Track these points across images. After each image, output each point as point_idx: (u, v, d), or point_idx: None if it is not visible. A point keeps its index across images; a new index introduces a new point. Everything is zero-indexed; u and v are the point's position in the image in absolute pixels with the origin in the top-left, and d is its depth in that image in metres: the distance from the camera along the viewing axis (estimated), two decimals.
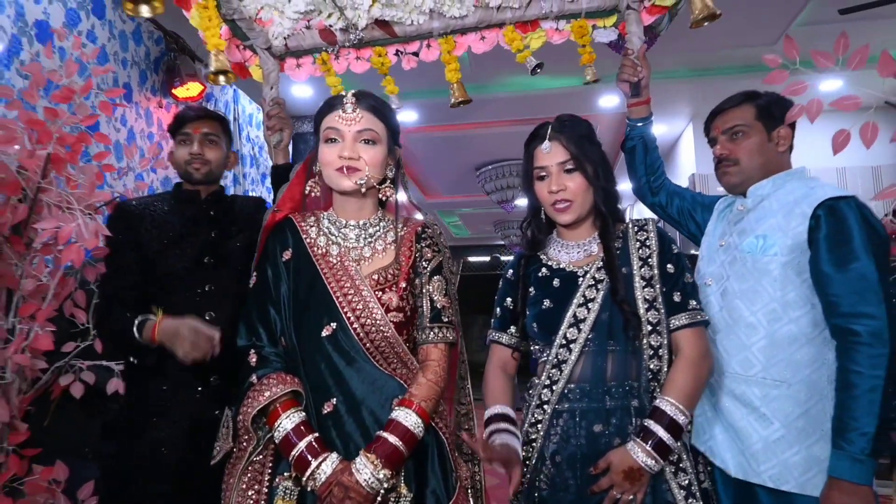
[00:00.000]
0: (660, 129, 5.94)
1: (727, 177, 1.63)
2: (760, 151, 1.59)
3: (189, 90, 3.61)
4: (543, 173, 1.51)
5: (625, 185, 1.96)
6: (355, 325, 1.39)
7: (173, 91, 3.58)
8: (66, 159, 1.72)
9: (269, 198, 1.97)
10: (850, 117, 1.22)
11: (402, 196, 1.54)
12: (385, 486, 1.28)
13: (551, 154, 1.49)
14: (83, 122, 1.71)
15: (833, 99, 1.32)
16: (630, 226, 1.54)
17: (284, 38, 1.67)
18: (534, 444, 1.46)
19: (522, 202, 7.43)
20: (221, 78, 1.75)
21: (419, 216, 1.61)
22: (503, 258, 11.85)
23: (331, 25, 1.66)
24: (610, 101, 4.98)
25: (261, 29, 1.67)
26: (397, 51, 1.82)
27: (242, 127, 4.43)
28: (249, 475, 1.37)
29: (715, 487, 1.50)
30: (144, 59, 3.39)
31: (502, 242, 10.12)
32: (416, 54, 1.83)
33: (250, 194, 4.28)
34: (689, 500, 1.36)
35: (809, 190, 1.50)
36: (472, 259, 12.38)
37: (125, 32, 3.18)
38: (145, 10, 1.51)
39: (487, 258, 12.18)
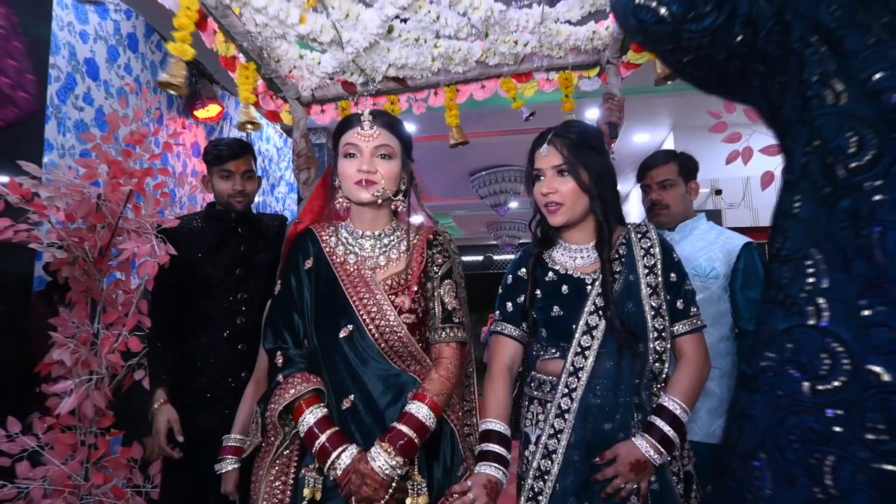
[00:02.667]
0: (643, 138, 6.31)
1: (659, 217, 2.13)
2: (682, 199, 2.12)
3: (209, 111, 3.89)
4: (540, 175, 1.55)
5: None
6: (370, 327, 1.46)
7: (195, 112, 3.88)
8: (136, 190, 2.05)
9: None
10: None
11: (414, 206, 1.63)
12: (399, 472, 1.32)
13: (547, 157, 1.52)
14: (151, 159, 2.04)
15: None
16: (632, 231, 1.56)
17: (312, 90, 1.94)
18: (554, 457, 1.46)
19: (514, 205, 7.75)
20: (249, 126, 2.04)
21: (425, 220, 1.70)
22: (495, 258, 12.20)
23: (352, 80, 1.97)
24: (594, 114, 5.35)
25: (292, 83, 1.93)
26: (409, 98, 2.11)
27: (254, 141, 4.75)
28: (277, 468, 1.44)
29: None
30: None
31: (495, 242, 10.41)
32: (424, 100, 2.13)
33: (257, 200, 4.60)
34: (678, 485, 1.45)
35: (721, 232, 2.09)
36: (465, 259, 12.62)
37: (154, 62, 3.49)
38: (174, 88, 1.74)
39: (480, 258, 12.48)
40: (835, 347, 0.79)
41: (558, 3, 1.75)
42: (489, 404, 1.53)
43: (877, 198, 0.76)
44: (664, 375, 1.48)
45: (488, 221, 9.42)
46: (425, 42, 1.70)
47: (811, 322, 0.82)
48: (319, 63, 1.74)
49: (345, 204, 1.56)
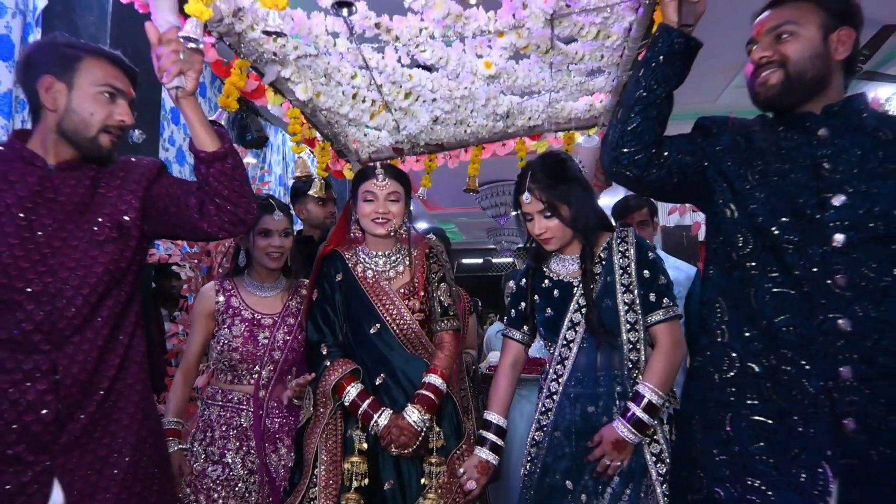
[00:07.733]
0: None
1: None
2: (651, 236, 2.85)
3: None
4: (529, 217, 1.78)
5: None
6: (392, 326, 1.88)
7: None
8: None
9: None
10: None
11: (413, 230, 2.03)
12: (426, 424, 1.77)
13: (531, 204, 1.74)
14: None
15: None
16: (615, 238, 1.74)
17: (369, 153, 2.53)
18: (545, 429, 1.71)
19: (514, 214, 8.31)
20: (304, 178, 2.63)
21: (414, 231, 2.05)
22: (494, 261, 12.79)
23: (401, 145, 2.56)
24: (588, 140, 5.97)
25: (355, 149, 2.52)
26: (443, 155, 2.71)
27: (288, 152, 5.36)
28: (327, 431, 1.83)
29: None
30: (226, 120, 4.32)
31: (493, 247, 10.90)
32: (456, 156, 2.75)
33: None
34: (658, 465, 1.59)
35: (675, 260, 2.83)
36: (465, 261, 12.89)
37: (216, 104, 4.13)
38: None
39: (480, 261, 12.78)
40: (731, 354, 1.32)
41: (561, 90, 2.35)
42: (491, 397, 1.85)
43: (753, 272, 1.32)
44: (642, 364, 1.65)
45: (488, 227, 9.86)
46: (461, 124, 2.33)
47: (719, 339, 1.35)
48: (378, 138, 2.38)
49: (359, 234, 2.01)
